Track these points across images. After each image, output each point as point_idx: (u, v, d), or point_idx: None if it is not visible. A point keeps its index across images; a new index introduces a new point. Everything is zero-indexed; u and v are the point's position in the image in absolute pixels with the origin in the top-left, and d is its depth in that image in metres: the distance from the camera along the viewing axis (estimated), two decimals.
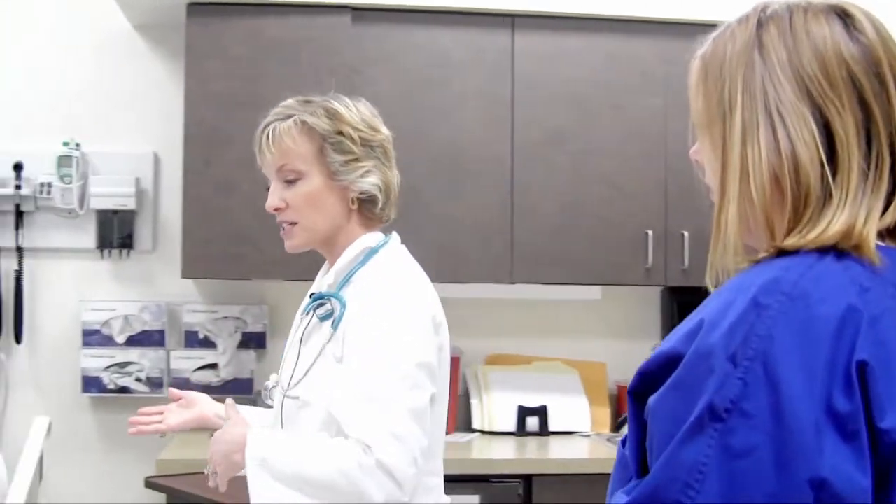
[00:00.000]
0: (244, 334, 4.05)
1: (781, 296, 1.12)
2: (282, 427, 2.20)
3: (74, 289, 4.06)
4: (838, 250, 1.17)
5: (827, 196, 1.19)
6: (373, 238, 2.21)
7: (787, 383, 1.08)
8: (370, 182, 2.18)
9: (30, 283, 4.02)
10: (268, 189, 2.25)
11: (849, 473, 1.06)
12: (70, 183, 3.92)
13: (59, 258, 4.06)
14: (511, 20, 3.83)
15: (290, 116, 2.21)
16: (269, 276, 3.82)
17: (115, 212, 4.01)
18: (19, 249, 3.99)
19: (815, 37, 1.24)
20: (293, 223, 2.22)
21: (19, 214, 3.98)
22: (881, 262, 1.17)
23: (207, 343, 4.05)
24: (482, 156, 3.82)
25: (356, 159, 2.18)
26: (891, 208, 1.21)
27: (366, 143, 2.19)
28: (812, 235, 1.18)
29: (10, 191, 3.92)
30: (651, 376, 1.19)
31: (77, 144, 3.96)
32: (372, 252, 2.19)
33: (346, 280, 2.17)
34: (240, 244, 3.64)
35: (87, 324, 4.01)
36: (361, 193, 2.18)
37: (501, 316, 4.26)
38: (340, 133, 2.17)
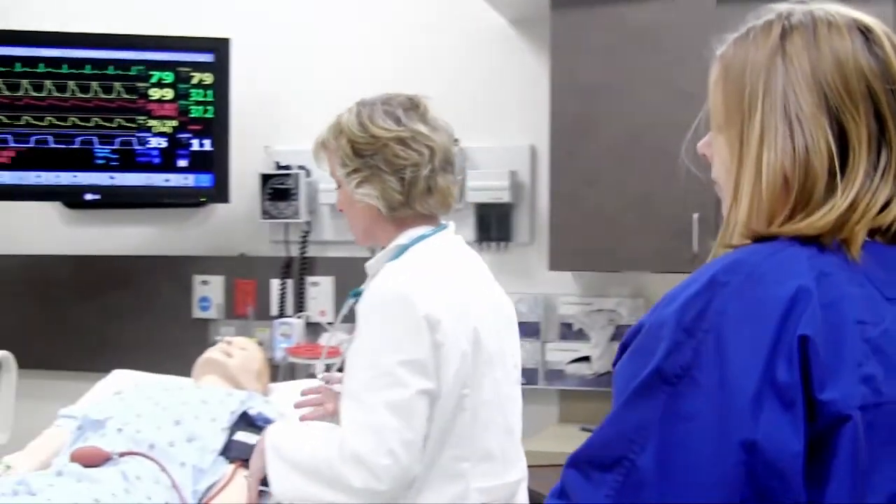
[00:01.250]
0: (617, 327, 4.04)
1: (741, 275, 1.23)
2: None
3: None
4: (816, 241, 1.27)
5: (829, 195, 1.28)
6: (407, 235, 2.35)
7: (733, 356, 1.18)
8: (362, 193, 2.33)
9: None
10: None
11: (782, 438, 1.14)
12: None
13: None
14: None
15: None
16: (637, 268, 3.78)
17: (492, 205, 4.13)
18: None
19: (838, 50, 1.32)
20: None
21: None
22: (860, 257, 1.27)
23: (581, 335, 4.07)
24: None
25: (354, 170, 2.35)
26: (886, 210, 1.30)
27: (360, 153, 2.34)
28: (802, 224, 1.28)
29: None
30: (625, 347, 1.31)
31: (456, 140, 4.09)
32: (402, 249, 2.32)
33: (373, 278, 2.34)
34: (607, 236, 3.63)
35: None
36: (359, 203, 2.36)
37: None
38: (340, 147, 2.36)
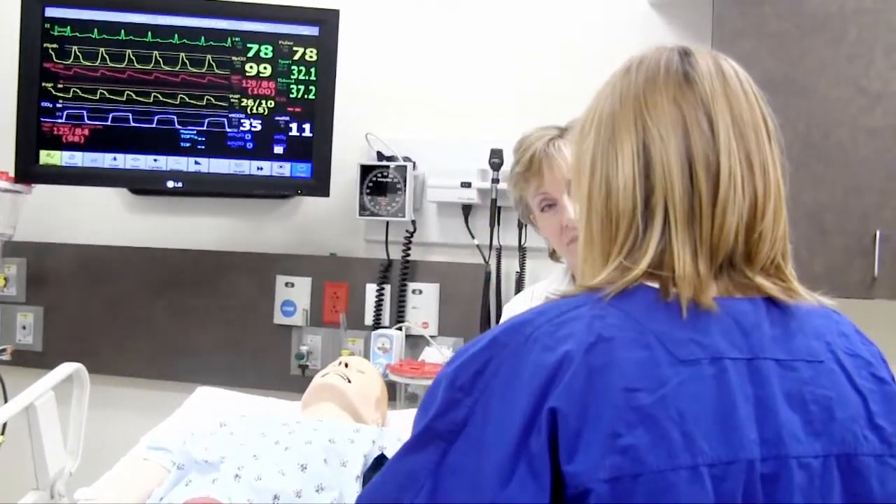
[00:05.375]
0: None
1: (521, 337, 1.30)
2: None
3: None
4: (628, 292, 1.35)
5: (644, 233, 1.39)
6: None
7: (495, 419, 1.25)
8: None
9: (530, 282, 3.94)
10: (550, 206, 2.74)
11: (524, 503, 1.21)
12: None
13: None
14: None
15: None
16: None
17: None
18: (522, 249, 3.92)
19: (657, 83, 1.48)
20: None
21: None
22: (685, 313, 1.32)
23: None
24: None
25: None
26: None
27: None
28: (627, 277, 1.36)
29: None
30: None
31: None
32: None
33: None
34: None
35: None
36: None
37: None
38: None
